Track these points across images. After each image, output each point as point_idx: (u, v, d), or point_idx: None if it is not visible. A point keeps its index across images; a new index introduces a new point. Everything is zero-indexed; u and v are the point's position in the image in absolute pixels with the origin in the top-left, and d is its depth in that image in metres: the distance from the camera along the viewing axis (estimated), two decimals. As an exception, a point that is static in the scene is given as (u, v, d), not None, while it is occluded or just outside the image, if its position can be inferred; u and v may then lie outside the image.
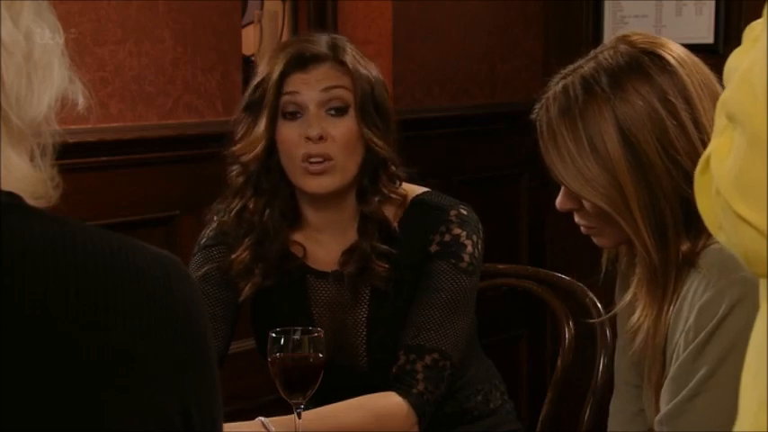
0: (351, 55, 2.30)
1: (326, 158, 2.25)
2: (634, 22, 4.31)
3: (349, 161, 2.27)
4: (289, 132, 2.26)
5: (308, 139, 2.24)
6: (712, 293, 1.78)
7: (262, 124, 2.27)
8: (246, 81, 3.57)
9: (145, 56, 3.23)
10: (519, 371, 4.37)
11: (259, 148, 2.27)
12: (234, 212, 2.32)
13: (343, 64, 2.28)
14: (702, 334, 1.78)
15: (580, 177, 1.86)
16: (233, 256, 2.32)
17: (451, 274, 2.29)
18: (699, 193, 1.20)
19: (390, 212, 2.33)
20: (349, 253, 2.32)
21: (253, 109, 2.29)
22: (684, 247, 1.83)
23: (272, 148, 2.28)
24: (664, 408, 1.83)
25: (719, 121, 1.18)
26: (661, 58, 1.87)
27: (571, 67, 1.91)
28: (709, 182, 1.17)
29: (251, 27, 3.79)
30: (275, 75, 2.26)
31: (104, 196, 3.08)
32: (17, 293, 1.09)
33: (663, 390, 1.84)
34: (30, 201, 1.15)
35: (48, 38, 1.17)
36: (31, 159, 1.15)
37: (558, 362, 2.57)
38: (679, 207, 1.82)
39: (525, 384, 4.38)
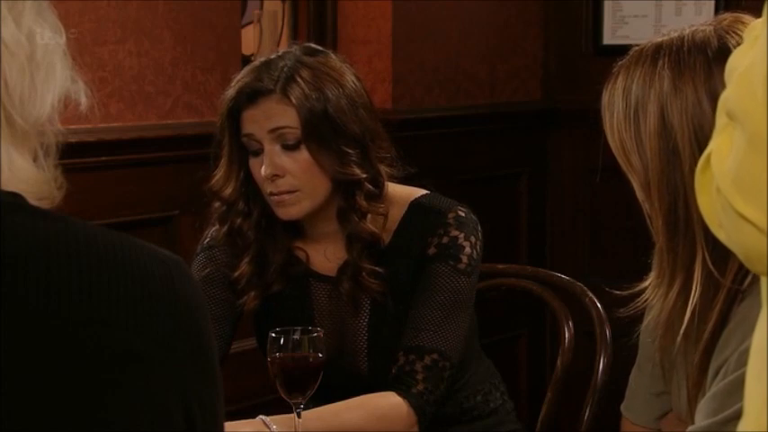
0: (301, 83, 2.24)
1: (290, 191, 2.25)
2: (634, 21, 4.31)
3: (316, 187, 2.26)
4: (254, 168, 2.27)
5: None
6: None
7: (226, 162, 2.29)
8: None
9: (144, 56, 3.23)
10: (519, 371, 4.37)
11: (231, 187, 2.29)
12: (223, 235, 2.33)
13: (289, 98, 2.24)
14: None
15: (622, 151, 1.86)
16: (235, 274, 2.33)
17: (450, 276, 2.28)
18: (699, 192, 1.21)
19: (379, 223, 2.32)
20: (343, 269, 2.33)
21: (221, 136, 2.31)
22: (704, 251, 1.79)
23: (247, 174, 2.29)
24: (699, 420, 1.81)
25: (720, 119, 1.19)
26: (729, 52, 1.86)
27: (665, 32, 1.90)
28: (709, 180, 1.18)
29: (250, 27, 3.80)
30: (225, 110, 2.27)
31: (104, 196, 3.08)
32: (19, 292, 1.08)
33: (702, 401, 1.82)
34: (33, 202, 1.14)
35: (49, 38, 1.17)
36: (35, 160, 1.15)
37: (558, 362, 2.57)
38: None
39: (525, 384, 4.38)
